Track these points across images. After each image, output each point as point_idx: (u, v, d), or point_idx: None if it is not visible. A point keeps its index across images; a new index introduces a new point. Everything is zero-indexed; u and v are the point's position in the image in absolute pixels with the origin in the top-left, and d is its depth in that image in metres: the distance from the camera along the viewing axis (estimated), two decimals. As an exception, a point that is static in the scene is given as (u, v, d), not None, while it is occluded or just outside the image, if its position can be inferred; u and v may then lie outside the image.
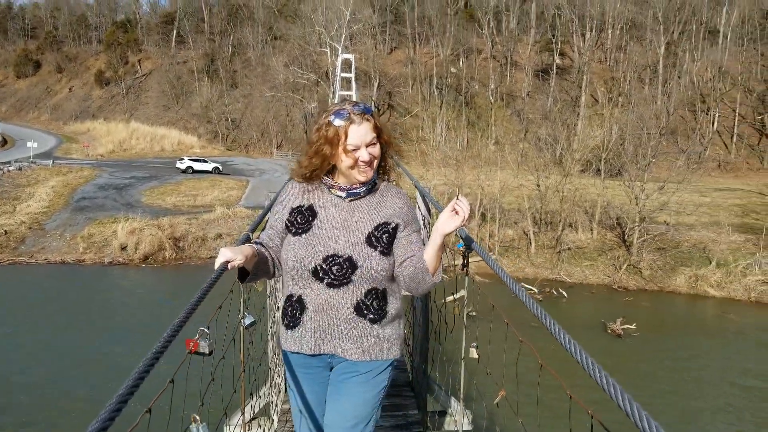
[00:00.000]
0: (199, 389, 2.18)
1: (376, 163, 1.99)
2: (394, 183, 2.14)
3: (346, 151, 1.93)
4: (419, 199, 4.34)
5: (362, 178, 1.98)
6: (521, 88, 54.36)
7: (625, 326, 18.86)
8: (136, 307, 18.70)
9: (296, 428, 2.21)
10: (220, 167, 39.54)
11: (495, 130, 49.31)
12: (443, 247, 1.93)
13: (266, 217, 4.21)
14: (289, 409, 4.22)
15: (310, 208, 2.04)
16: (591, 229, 27.59)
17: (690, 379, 15.74)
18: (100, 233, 24.80)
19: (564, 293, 22.49)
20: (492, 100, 53.13)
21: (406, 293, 2.19)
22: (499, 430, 2.37)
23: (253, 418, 4.09)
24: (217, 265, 1.82)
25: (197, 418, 2.04)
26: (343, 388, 2.03)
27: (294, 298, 2.01)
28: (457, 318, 3.10)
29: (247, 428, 3.72)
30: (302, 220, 2.03)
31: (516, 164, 32.97)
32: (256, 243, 2.07)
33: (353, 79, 44.15)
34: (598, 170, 30.51)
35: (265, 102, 56.15)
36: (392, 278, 2.02)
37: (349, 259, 1.93)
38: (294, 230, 2.02)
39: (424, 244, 2.00)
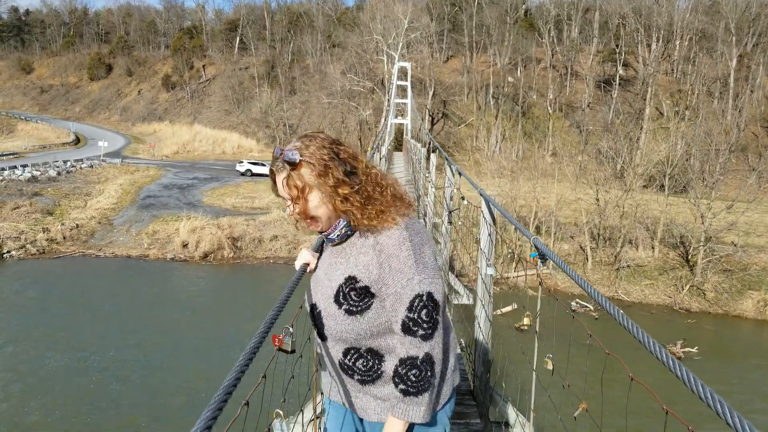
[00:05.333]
0: (283, 385, 2.26)
1: (319, 218, 1.65)
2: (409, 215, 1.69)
3: None
4: (484, 208, 4.31)
5: (308, 229, 1.71)
6: (581, 98, 53.09)
7: (686, 349, 18.06)
8: (195, 301, 19.37)
9: None
10: (277, 171, 40.38)
11: (552, 141, 48.35)
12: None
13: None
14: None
15: (321, 246, 1.88)
16: (652, 247, 26.58)
17: (754, 409, 14.89)
18: (164, 230, 25.83)
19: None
20: (550, 111, 52.12)
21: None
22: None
23: (318, 417, 4.19)
24: (297, 266, 1.85)
25: (281, 413, 2.09)
26: None
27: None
28: (524, 328, 3.07)
29: (315, 424, 3.81)
30: (317, 261, 1.87)
31: (574, 177, 32.19)
32: None
33: (409, 87, 44.28)
34: (662, 186, 29.40)
35: (321, 108, 57.14)
36: (386, 335, 1.64)
37: (319, 315, 1.71)
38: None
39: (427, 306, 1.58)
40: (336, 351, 1.70)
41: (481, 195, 4.38)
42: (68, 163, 38.31)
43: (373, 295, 1.61)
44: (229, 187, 35.22)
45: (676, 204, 27.93)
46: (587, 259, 25.96)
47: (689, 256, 25.39)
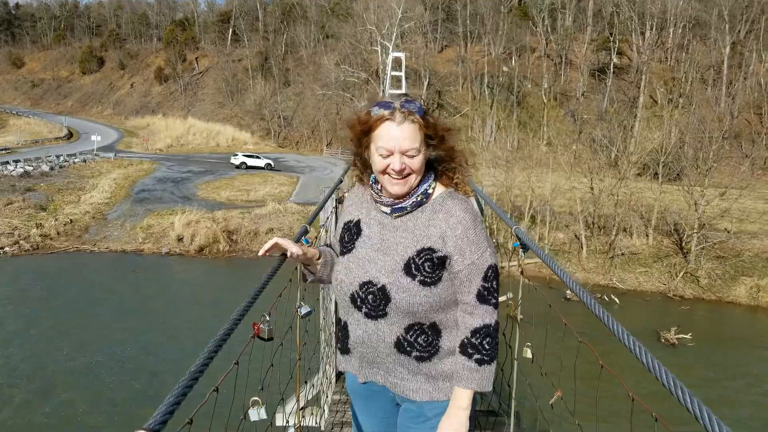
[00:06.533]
0: (259, 373, 2.27)
1: (414, 178, 1.65)
2: (469, 194, 1.77)
3: (377, 149, 1.62)
4: (473, 200, 4.31)
5: (392, 191, 1.65)
6: (576, 87, 53.05)
7: (680, 336, 18.19)
8: (192, 295, 19.37)
9: None
10: (272, 163, 40.35)
11: (547, 130, 48.33)
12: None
13: (321, 214, 4.32)
14: (339, 399, 4.34)
15: (357, 224, 1.78)
16: (646, 235, 26.68)
17: (748, 393, 15.03)
18: (158, 224, 25.76)
19: (616, 300, 21.85)
20: (545, 100, 52.08)
21: None
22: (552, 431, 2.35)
23: (305, 407, 4.20)
24: (264, 249, 1.72)
25: (258, 401, 2.10)
26: (408, 428, 1.79)
27: (341, 324, 1.81)
28: (508, 318, 3.08)
29: (300, 415, 3.82)
30: (348, 238, 1.78)
31: (569, 166, 32.22)
32: (327, 246, 1.94)
33: (403, 78, 44.15)
34: (656, 174, 29.49)
35: (316, 100, 56.93)
36: (447, 309, 1.68)
37: (383, 289, 1.64)
38: (341, 249, 1.80)
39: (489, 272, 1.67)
40: (397, 327, 1.65)
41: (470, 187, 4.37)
42: (61, 158, 38.04)
43: (444, 267, 1.64)
44: (223, 180, 35.11)
45: (670, 192, 28.01)
46: (582, 247, 26.05)
47: (683, 243, 25.51)
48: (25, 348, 14.77)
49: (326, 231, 4.27)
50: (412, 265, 1.63)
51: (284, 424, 3.84)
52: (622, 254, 25.39)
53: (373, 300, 1.65)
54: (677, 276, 24.07)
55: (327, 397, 4.38)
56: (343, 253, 1.78)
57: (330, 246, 1.96)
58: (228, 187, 33.06)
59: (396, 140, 1.59)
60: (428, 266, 1.63)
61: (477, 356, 1.65)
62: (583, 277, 24.24)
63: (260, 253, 1.72)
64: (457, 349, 1.68)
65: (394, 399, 1.81)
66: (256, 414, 2.06)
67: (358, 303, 1.68)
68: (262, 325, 1.77)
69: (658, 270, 24.86)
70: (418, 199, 1.68)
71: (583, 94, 52.23)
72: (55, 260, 22.48)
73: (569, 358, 2.11)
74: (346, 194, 1.95)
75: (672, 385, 1.33)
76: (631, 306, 21.82)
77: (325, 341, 4.44)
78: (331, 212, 4.37)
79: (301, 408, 4.05)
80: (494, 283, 1.68)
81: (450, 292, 1.66)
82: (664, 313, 20.98)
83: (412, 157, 1.61)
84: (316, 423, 4.21)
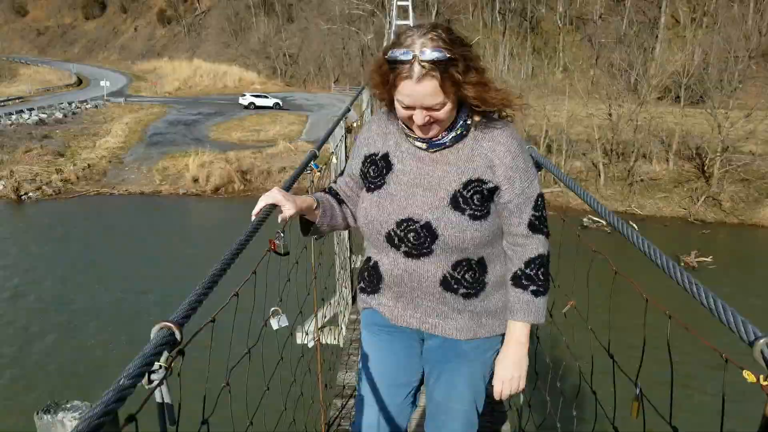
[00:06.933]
0: (278, 287, 2.26)
1: (444, 124, 1.49)
2: (509, 119, 1.60)
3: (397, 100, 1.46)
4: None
5: (418, 134, 1.52)
6: (593, 10, 50.76)
7: (701, 259, 18.11)
8: (210, 233, 19.68)
9: (360, 406, 1.80)
10: (281, 103, 39.98)
11: (563, 56, 46.76)
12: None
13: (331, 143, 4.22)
14: (356, 319, 4.40)
15: (385, 157, 1.63)
16: (667, 160, 26.16)
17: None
18: (174, 166, 25.93)
19: (634, 225, 21.66)
20: (560, 25, 50.07)
21: None
22: (566, 339, 2.33)
23: (323, 326, 4.31)
24: (259, 206, 1.55)
25: (278, 310, 2.11)
26: (442, 370, 1.73)
27: (371, 263, 1.69)
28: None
29: (319, 333, 3.90)
30: (375, 172, 1.64)
31: (586, 93, 31.31)
32: (328, 191, 1.75)
33: (410, 8, 42.63)
34: (677, 97, 28.57)
35: (321, 35, 55.46)
36: (495, 242, 1.60)
37: (427, 226, 1.52)
38: (367, 184, 1.65)
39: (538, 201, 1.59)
40: (443, 265, 1.55)
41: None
42: (73, 105, 38.30)
43: (492, 199, 1.54)
44: (234, 121, 34.93)
45: (692, 115, 27.21)
46: (600, 175, 25.70)
47: (705, 167, 25.01)
48: (50, 288, 15.26)
49: (336, 158, 4.26)
50: (460, 199, 1.52)
51: (303, 342, 3.95)
52: (642, 180, 25.03)
53: (416, 238, 1.53)
54: (698, 200, 23.75)
55: (344, 316, 4.48)
56: (370, 189, 1.63)
57: (329, 189, 1.75)
58: (238, 128, 32.91)
59: (415, 98, 1.41)
60: (477, 199, 1.52)
61: (533, 287, 1.60)
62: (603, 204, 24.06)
63: (253, 215, 1.55)
64: (510, 282, 1.63)
65: (421, 335, 1.72)
66: (277, 323, 2.09)
67: (396, 242, 1.56)
68: (277, 241, 1.71)
69: (679, 195, 24.54)
70: (458, 132, 1.53)
71: (600, 17, 50.04)
72: (78, 204, 22.97)
73: (582, 271, 2.06)
74: (365, 124, 1.77)
75: (686, 283, 1.25)
76: (651, 231, 21.68)
77: (339, 265, 4.48)
78: (341, 140, 4.35)
79: (320, 327, 4.13)
80: (544, 211, 1.60)
81: (498, 224, 1.58)
82: (684, 238, 20.83)
83: (438, 110, 1.43)
84: (335, 340, 4.33)
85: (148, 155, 27.76)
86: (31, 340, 12.64)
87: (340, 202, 1.71)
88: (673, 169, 25.90)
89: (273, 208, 1.60)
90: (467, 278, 1.57)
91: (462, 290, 1.58)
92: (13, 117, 32.85)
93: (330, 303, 4.45)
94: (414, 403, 1.83)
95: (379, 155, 1.64)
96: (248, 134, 31.62)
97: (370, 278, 1.70)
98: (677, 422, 1.38)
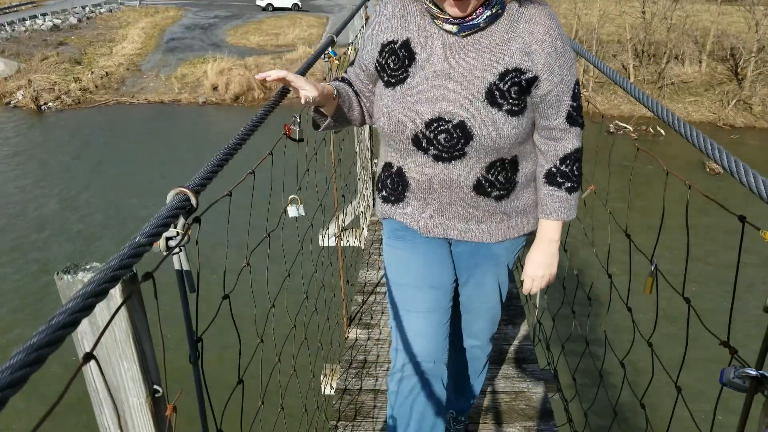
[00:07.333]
0: (296, 175, 2.30)
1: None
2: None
3: None
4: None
5: (452, 13, 1.32)
6: None
7: (727, 165, 17.74)
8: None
9: (394, 315, 1.71)
10: (300, 4, 38.41)
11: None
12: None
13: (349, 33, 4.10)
14: (377, 221, 4.51)
15: (406, 44, 1.41)
16: (699, 62, 24.94)
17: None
18: (192, 73, 25.55)
19: (662, 131, 21.14)
20: None
21: None
22: (584, 227, 2.38)
23: (345, 228, 4.40)
24: (264, 75, 1.43)
25: (297, 198, 2.17)
26: (471, 274, 1.70)
27: (393, 169, 1.56)
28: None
29: (341, 233, 3.98)
30: (395, 63, 1.43)
31: (620, -12, 29.38)
32: (342, 80, 1.60)
33: None
34: (716, -8, 26.66)
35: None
36: (528, 138, 1.47)
37: (461, 125, 1.36)
38: (386, 78, 1.46)
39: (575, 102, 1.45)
40: (476, 168, 1.43)
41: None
42: (87, 9, 37.22)
43: (530, 91, 1.37)
44: (251, 24, 33.83)
45: (728, 13, 25.57)
46: (629, 77, 24.71)
47: (738, 69, 23.84)
48: (74, 197, 15.74)
49: (356, 50, 4.09)
50: (497, 93, 1.34)
51: (326, 244, 4.05)
52: (672, 83, 24.05)
53: (447, 139, 1.38)
54: (729, 104, 22.88)
55: (365, 218, 4.55)
56: (390, 84, 1.44)
57: (343, 79, 1.60)
58: (256, 32, 31.93)
59: None
60: (515, 92, 1.35)
61: (567, 184, 1.50)
62: (629, 109, 23.32)
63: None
64: (543, 180, 1.52)
65: (448, 241, 1.65)
66: (295, 210, 2.15)
67: (424, 144, 1.41)
68: (293, 126, 1.75)
69: (709, 99, 23.62)
70: (494, 11, 1.32)
71: None
72: (98, 113, 23.01)
73: (600, 155, 2.08)
74: (379, 4, 1.54)
75: (700, 141, 1.28)
76: (678, 137, 21.09)
77: (361, 165, 4.49)
78: (360, 30, 4.16)
79: (342, 229, 4.25)
80: (581, 100, 1.47)
81: (532, 118, 1.43)
82: (712, 143, 20.31)
83: None
84: (357, 241, 4.43)
85: (166, 62, 27.33)
86: (48, 245, 13.12)
87: (356, 94, 1.58)
88: (705, 71, 24.74)
89: (287, 92, 1.58)
90: (500, 179, 1.47)
91: (495, 192, 1.48)
92: (27, 23, 32.05)
93: (351, 204, 4.51)
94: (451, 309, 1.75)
95: (399, 42, 1.43)
96: (267, 38, 30.72)
97: (393, 186, 1.58)
98: (689, 293, 1.45)
